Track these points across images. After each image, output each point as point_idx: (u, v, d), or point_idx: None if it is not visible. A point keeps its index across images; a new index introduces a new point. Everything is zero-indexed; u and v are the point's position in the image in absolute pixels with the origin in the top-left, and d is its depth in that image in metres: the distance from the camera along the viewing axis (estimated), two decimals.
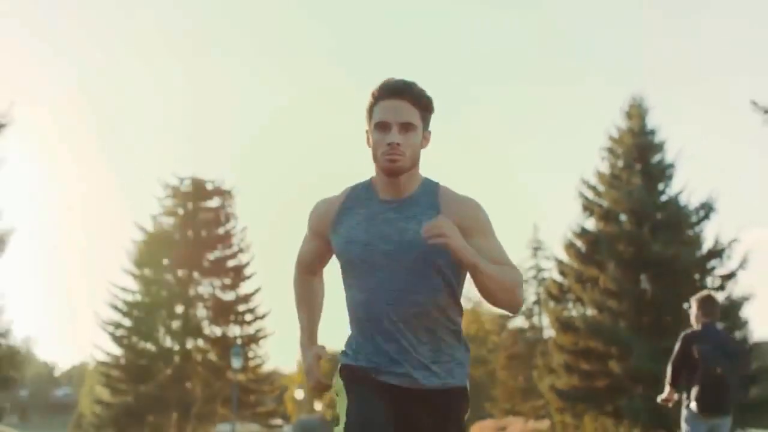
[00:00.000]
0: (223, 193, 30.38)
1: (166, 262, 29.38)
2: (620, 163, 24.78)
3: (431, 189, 2.48)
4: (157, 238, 29.47)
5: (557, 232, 53.53)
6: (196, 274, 29.48)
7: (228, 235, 30.16)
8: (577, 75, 76.51)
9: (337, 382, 2.54)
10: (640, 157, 24.20)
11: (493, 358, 39.34)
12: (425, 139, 2.47)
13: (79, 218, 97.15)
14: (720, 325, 6.29)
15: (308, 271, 2.70)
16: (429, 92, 2.46)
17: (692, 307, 6.20)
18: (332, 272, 2.67)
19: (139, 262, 29.23)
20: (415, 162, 2.44)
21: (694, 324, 6.15)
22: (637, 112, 24.63)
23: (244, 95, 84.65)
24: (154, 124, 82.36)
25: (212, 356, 29.13)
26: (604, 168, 25.05)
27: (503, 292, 2.34)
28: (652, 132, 24.50)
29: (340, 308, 2.62)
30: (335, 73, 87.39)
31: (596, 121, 67.11)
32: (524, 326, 39.46)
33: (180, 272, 29.38)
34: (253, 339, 29.33)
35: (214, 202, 30.37)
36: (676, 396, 6.05)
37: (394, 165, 2.38)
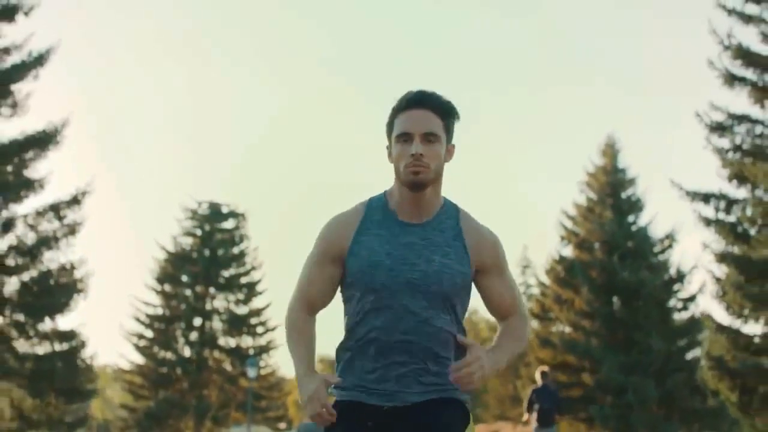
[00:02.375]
0: (237, 216, 32.29)
1: (185, 278, 31.09)
2: (594, 197, 26.49)
3: (453, 213, 2.32)
4: (176, 257, 31.35)
5: (555, 230, 55.14)
6: (212, 290, 31.10)
7: (242, 254, 31.84)
8: (576, 79, 77.59)
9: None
10: (611, 192, 25.84)
11: None
12: (449, 152, 2.29)
13: None
14: (552, 384, 12.91)
15: (311, 309, 2.38)
16: (451, 100, 2.28)
17: (537, 374, 11.94)
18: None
19: (160, 278, 31.00)
20: (438, 175, 2.25)
21: (538, 382, 12.36)
22: (610, 151, 26.44)
23: (244, 98, 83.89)
24: (154, 124, 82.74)
25: (227, 365, 30.83)
26: (581, 200, 26.91)
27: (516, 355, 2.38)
28: (623, 170, 26.25)
29: (338, 315, 2.44)
30: (334, 78, 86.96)
31: (597, 124, 68.29)
32: None
33: (198, 288, 30.94)
34: (265, 349, 31.07)
35: (229, 224, 32.18)
36: (530, 418, 12.36)
37: (417, 177, 2.20)
